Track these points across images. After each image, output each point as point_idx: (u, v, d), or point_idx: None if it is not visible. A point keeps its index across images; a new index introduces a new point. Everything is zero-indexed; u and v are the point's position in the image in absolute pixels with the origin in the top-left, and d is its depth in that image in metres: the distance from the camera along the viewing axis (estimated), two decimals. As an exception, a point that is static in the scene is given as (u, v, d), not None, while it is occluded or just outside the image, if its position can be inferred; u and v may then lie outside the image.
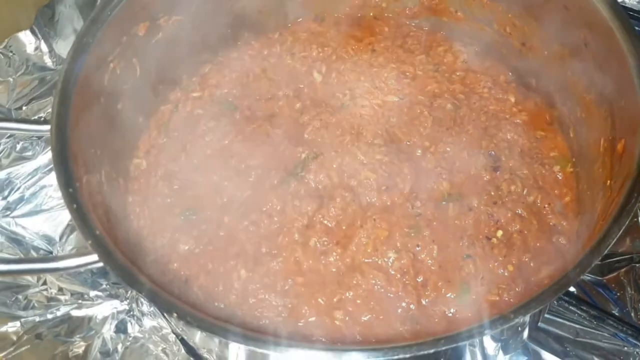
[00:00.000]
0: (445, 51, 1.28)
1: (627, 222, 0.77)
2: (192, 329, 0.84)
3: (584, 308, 1.02)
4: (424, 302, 0.98)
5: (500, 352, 1.04)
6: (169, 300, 0.78)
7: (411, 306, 0.97)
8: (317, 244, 1.02)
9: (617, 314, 1.13)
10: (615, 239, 0.76)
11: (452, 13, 1.28)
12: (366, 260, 1.01)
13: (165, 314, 1.08)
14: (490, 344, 1.04)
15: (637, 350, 1.07)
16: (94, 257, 0.83)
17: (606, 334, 1.08)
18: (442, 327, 0.96)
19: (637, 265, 1.17)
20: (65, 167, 0.89)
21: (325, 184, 1.08)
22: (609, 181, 0.94)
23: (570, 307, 1.02)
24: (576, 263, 0.75)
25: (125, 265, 0.81)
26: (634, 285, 1.16)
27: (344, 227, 1.04)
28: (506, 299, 0.99)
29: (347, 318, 0.96)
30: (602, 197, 0.95)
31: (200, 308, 0.92)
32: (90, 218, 0.85)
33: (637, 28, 1.37)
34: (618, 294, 1.16)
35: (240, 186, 1.09)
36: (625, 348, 1.08)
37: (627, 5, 1.50)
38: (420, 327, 0.96)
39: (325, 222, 1.04)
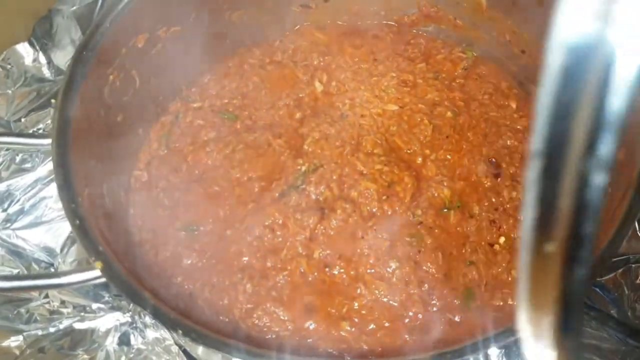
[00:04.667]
0: (445, 59, 1.28)
1: (629, 233, 0.77)
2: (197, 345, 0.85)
3: (585, 310, 1.03)
4: (429, 310, 0.98)
5: (504, 358, 1.04)
6: (173, 316, 0.77)
7: (419, 315, 0.97)
8: (321, 255, 1.02)
9: (615, 314, 1.14)
10: (616, 252, 0.76)
11: (451, 20, 1.27)
12: (369, 271, 1.01)
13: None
14: (494, 351, 1.05)
15: (637, 349, 1.08)
16: (97, 272, 0.83)
17: (606, 335, 1.09)
18: (448, 335, 0.96)
19: (634, 265, 1.17)
20: (67, 183, 0.88)
21: (325, 195, 1.07)
22: (609, 188, 0.94)
23: (571, 309, 1.03)
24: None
25: (129, 282, 0.81)
26: (631, 286, 1.16)
27: (345, 239, 1.03)
28: (510, 303, 0.99)
29: (353, 329, 0.96)
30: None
31: (204, 322, 0.92)
32: (93, 234, 0.85)
33: None
34: (616, 294, 1.16)
35: (242, 198, 1.08)
36: (624, 348, 1.08)
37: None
38: (427, 336, 0.96)
39: (328, 234, 1.04)
